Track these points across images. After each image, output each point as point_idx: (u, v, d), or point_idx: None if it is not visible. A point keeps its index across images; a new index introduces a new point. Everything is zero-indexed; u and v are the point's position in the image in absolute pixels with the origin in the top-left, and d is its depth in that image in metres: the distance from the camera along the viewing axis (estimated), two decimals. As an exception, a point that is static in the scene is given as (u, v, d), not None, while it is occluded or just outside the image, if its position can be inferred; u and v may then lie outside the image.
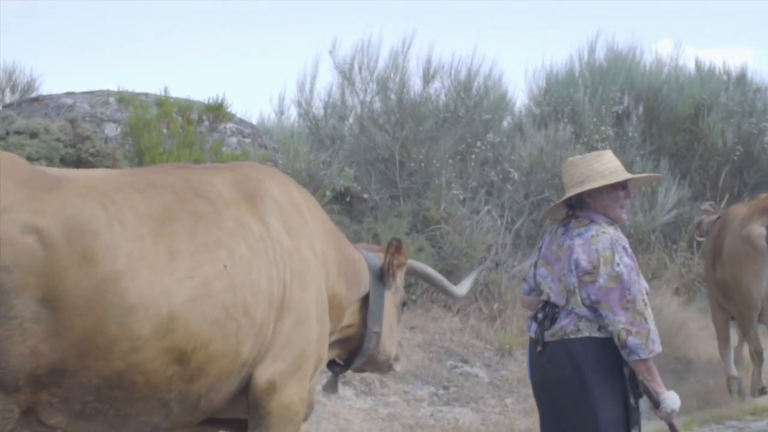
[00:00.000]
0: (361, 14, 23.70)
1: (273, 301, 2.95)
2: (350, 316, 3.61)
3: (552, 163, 8.85)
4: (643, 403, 3.42)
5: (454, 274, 7.42)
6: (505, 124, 10.10)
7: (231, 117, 7.50)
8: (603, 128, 9.58)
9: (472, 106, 9.16)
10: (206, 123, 6.63)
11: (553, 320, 3.38)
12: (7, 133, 5.97)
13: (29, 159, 5.72)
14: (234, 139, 7.54)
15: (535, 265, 3.57)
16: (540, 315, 3.46)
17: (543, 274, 3.48)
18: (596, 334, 3.31)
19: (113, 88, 7.79)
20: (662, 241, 9.52)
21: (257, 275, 2.90)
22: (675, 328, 7.81)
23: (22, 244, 2.37)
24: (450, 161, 8.52)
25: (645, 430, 3.52)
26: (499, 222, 8.48)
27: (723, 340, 7.14)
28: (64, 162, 5.98)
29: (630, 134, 10.03)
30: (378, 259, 3.75)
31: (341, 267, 3.47)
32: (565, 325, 3.34)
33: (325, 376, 4.11)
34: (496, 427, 6.10)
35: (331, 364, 3.82)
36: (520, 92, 21.84)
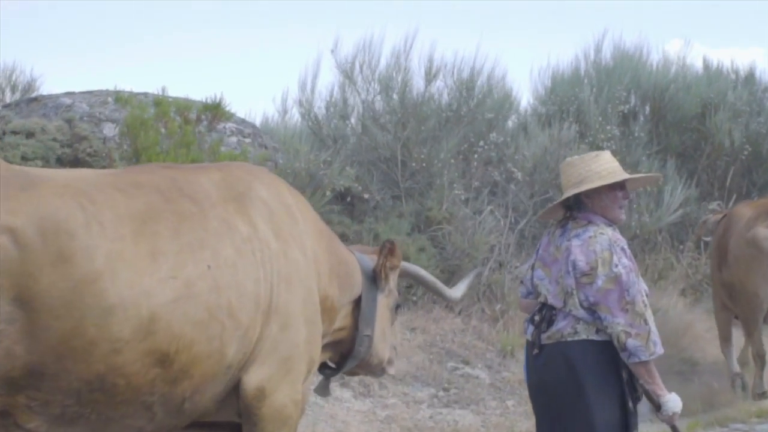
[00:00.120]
0: (363, 13, 23.59)
1: (260, 303, 2.90)
2: (342, 319, 3.55)
3: (556, 163, 8.74)
4: (645, 406, 3.38)
5: (456, 274, 7.36)
6: (510, 123, 10.04)
7: (230, 116, 7.46)
8: (609, 128, 9.50)
9: (474, 105, 9.07)
10: (204, 122, 6.59)
11: (550, 323, 3.34)
12: (3, 133, 5.95)
13: (25, 159, 5.71)
14: (234, 139, 7.49)
15: (533, 267, 3.52)
16: (537, 317, 3.41)
17: (540, 276, 3.44)
18: (594, 337, 3.27)
19: (112, 87, 7.75)
20: (669, 242, 9.44)
21: (243, 277, 2.85)
22: (681, 330, 7.77)
23: None
24: (452, 161, 8.44)
25: (647, 433, 3.47)
26: (502, 222, 8.40)
27: (724, 338, 7.14)
28: (61, 162, 5.95)
29: (636, 134, 9.92)
30: (371, 260, 3.68)
31: (333, 268, 3.41)
32: (562, 328, 3.30)
33: (316, 379, 4.06)
34: (496, 430, 6.05)
35: (323, 367, 3.76)
36: (525, 91, 21.76)
